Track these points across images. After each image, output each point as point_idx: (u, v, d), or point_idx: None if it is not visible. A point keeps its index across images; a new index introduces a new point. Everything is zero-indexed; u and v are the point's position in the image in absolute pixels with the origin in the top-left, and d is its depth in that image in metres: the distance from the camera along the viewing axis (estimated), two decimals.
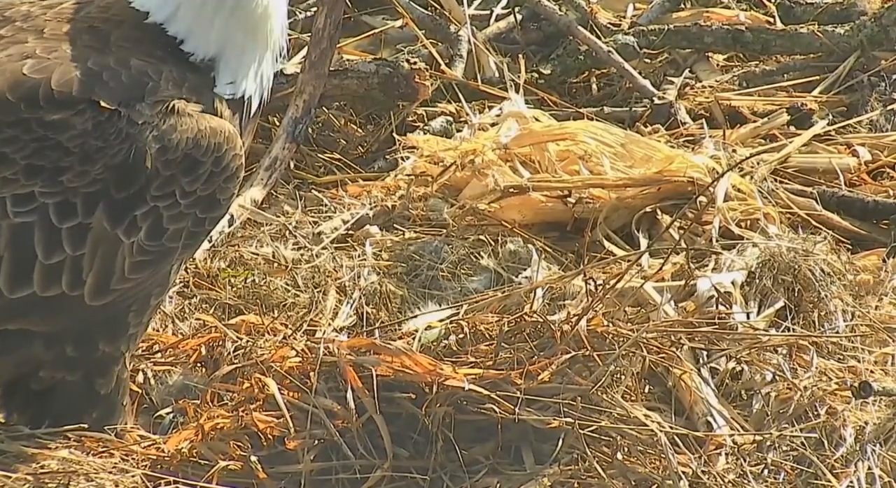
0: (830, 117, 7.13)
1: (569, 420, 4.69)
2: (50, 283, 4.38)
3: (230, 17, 4.57)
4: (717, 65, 7.72)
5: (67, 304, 4.41)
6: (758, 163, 6.43)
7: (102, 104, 4.34)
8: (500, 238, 5.90)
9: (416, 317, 5.43)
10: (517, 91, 7.15)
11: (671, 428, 4.78)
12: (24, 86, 4.33)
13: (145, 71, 4.42)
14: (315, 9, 6.95)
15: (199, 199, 4.45)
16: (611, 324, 4.92)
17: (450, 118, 6.97)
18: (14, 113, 4.33)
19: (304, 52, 6.86)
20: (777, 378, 5.05)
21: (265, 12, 4.61)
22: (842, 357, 5.23)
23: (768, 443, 4.81)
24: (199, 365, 5.22)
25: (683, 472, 4.66)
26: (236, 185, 4.55)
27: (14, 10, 4.59)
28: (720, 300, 5.27)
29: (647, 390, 4.96)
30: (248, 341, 5.18)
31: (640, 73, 7.42)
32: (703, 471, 4.68)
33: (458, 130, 6.81)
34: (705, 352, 5.11)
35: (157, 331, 5.39)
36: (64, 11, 4.55)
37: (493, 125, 6.59)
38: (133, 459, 4.59)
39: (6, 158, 4.33)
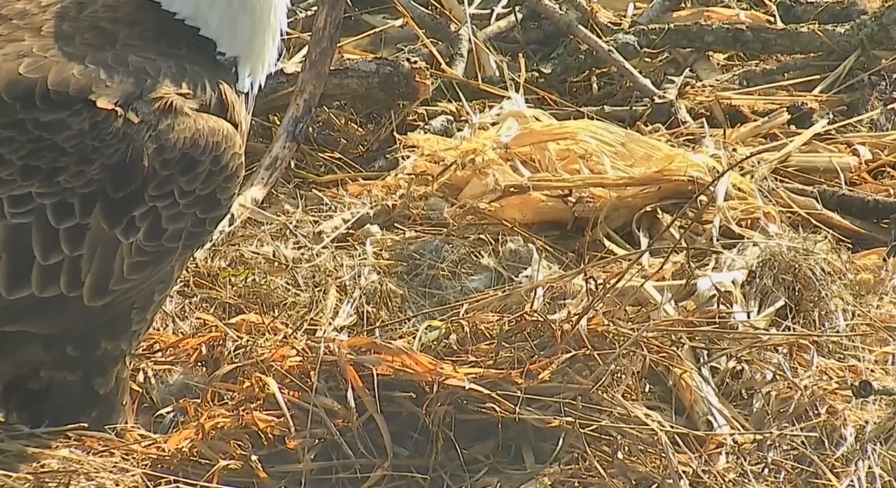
0: (831, 116, 7.13)
1: (569, 419, 4.68)
2: (48, 284, 4.36)
3: (248, 10, 4.57)
4: (718, 64, 7.72)
5: (66, 305, 4.40)
6: (758, 163, 6.43)
7: (99, 104, 4.33)
8: (500, 237, 5.90)
9: (415, 316, 5.43)
10: (517, 90, 7.15)
11: (671, 427, 4.78)
12: (19, 86, 4.31)
13: (143, 68, 4.40)
14: (315, 8, 6.94)
15: (199, 199, 4.43)
16: (611, 324, 4.92)
17: (450, 117, 6.97)
18: (10, 113, 4.31)
19: (304, 51, 6.85)
20: (777, 377, 5.05)
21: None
22: (842, 356, 5.22)
23: (769, 443, 4.81)
24: (199, 364, 5.21)
25: (684, 471, 4.65)
26: (237, 185, 4.53)
27: (9, 7, 4.56)
28: (720, 299, 5.27)
29: (647, 389, 4.96)
30: (248, 340, 5.17)
31: (640, 73, 7.43)
32: (703, 471, 4.68)
33: (459, 129, 6.81)
34: (706, 352, 5.10)
35: (158, 330, 5.39)
36: (64, 10, 4.53)
37: (493, 124, 6.59)
38: (133, 458, 4.59)
39: (2, 159, 4.31)
